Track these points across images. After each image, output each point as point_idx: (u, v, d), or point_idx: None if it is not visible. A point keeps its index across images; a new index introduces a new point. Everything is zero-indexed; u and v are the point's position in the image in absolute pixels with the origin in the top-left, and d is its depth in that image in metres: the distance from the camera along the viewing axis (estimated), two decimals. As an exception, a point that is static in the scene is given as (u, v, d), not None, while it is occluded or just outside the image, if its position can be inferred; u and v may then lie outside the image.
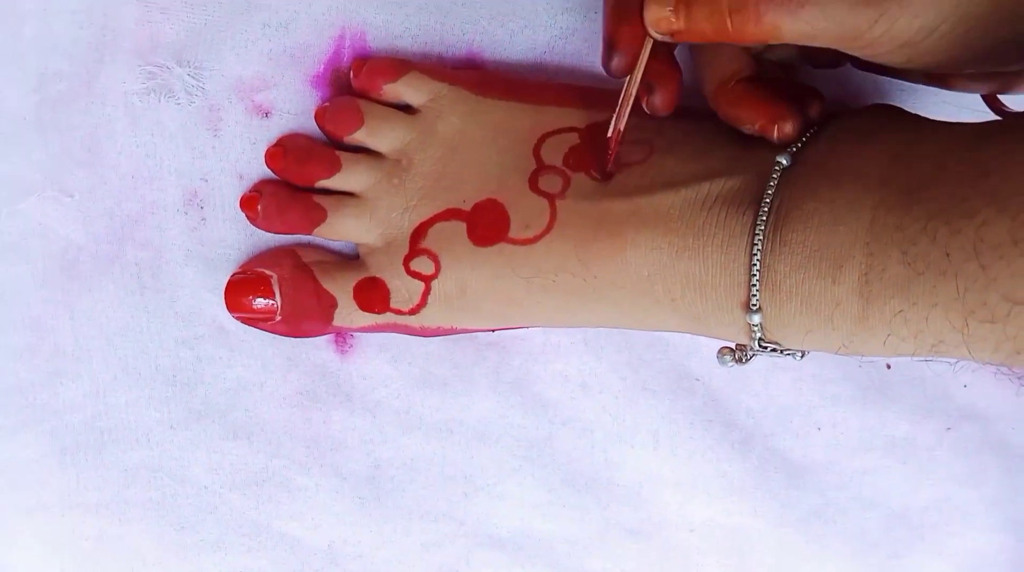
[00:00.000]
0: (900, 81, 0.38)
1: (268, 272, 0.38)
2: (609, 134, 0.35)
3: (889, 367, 0.39)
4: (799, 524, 0.40)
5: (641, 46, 0.32)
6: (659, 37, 0.32)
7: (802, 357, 0.34)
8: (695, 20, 0.30)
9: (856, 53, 0.30)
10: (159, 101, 0.39)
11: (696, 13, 0.30)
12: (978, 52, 0.29)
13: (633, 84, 0.33)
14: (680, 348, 0.40)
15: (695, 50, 0.36)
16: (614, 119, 0.34)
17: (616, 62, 0.32)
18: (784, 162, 0.32)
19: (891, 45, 0.29)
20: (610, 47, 0.32)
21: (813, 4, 0.28)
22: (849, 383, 0.39)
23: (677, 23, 0.31)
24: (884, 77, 0.36)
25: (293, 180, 0.39)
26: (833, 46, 0.30)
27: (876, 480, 0.40)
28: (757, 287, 0.31)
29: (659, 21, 0.31)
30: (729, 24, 0.30)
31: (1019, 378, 0.39)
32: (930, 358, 0.30)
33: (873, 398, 0.39)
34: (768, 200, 0.31)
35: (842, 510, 0.40)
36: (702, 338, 0.36)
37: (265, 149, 0.39)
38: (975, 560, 0.40)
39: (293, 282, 0.38)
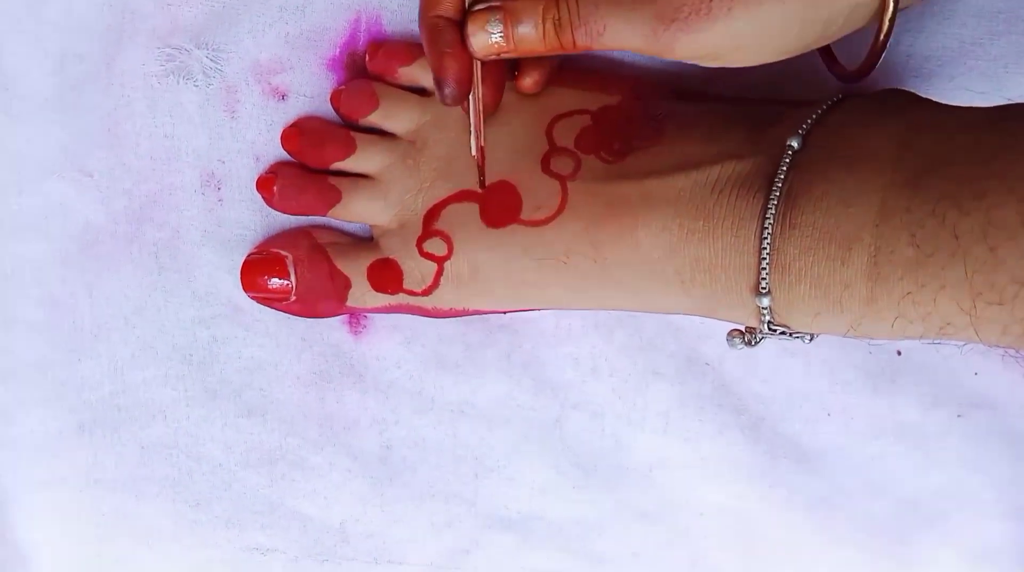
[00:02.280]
0: (914, 66, 0.38)
1: (283, 253, 0.39)
2: (473, 153, 0.35)
3: (899, 353, 0.39)
4: (808, 509, 0.40)
5: (469, 71, 0.32)
6: (488, 59, 0.32)
7: (811, 340, 0.34)
8: (523, 40, 0.31)
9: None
10: (178, 83, 0.40)
11: (524, 34, 0.31)
12: (804, 46, 0.31)
13: (477, 101, 0.34)
14: (690, 332, 0.40)
15: None
16: (472, 138, 0.35)
17: (449, 93, 0.32)
18: (795, 145, 0.32)
19: (707, 61, 0.31)
20: (439, 82, 0.32)
21: (612, 27, 0.30)
22: (859, 369, 0.39)
23: (506, 45, 0.31)
24: (895, 60, 0.36)
25: (309, 162, 0.39)
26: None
27: (885, 466, 0.40)
28: (767, 270, 0.31)
29: (488, 47, 0.32)
30: (557, 41, 0.31)
31: (1027, 361, 0.39)
32: (939, 342, 0.30)
33: (883, 384, 0.39)
34: (779, 183, 0.32)
35: (851, 496, 0.40)
36: (712, 323, 0.36)
37: (281, 131, 0.40)
38: (984, 547, 0.39)
39: (308, 263, 0.39)
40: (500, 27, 0.31)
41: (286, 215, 0.40)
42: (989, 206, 0.27)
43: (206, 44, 0.40)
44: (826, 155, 0.32)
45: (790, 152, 0.32)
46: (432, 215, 0.37)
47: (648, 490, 0.41)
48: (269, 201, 0.39)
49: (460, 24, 0.32)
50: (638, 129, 0.36)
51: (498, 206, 0.36)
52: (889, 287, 0.29)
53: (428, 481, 0.41)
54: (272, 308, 0.40)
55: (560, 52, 0.32)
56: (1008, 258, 0.27)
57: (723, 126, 0.35)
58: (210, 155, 0.40)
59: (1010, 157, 0.28)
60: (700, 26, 0.29)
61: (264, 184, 0.39)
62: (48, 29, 0.40)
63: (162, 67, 0.40)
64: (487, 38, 0.31)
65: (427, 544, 0.41)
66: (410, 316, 0.40)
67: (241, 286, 0.39)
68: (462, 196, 0.37)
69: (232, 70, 0.40)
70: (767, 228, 0.31)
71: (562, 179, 0.36)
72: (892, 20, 0.30)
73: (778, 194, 0.31)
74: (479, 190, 0.36)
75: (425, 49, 0.32)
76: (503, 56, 0.32)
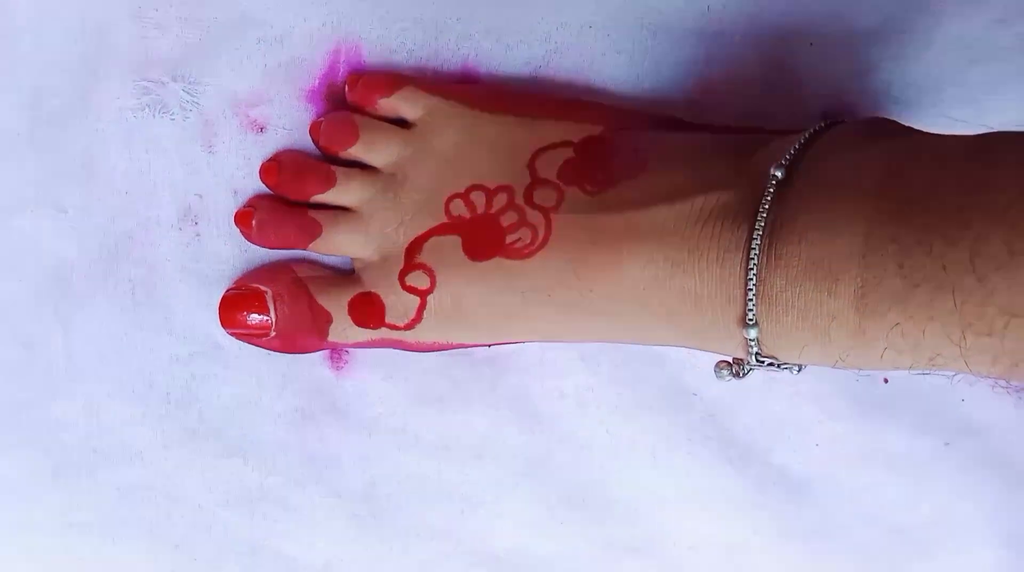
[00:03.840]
0: (895, 94, 0.38)
1: (263, 288, 0.38)
2: None
3: (887, 381, 0.39)
4: (798, 540, 0.40)
5: None
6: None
7: (799, 371, 0.33)
8: None
9: None
10: (154, 117, 0.39)
11: None
12: None
13: None
14: (677, 363, 0.39)
15: None
16: None
17: None
18: (778, 175, 0.32)
19: None
20: None
21: None
22: (847, 398, 0.39)
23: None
24: (875, 88, 0.37)
25: (288, 195, 0.39)
26: None
27: (875, 495, 0.39)
28: (753, 301, 0.31)
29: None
30: None
31: (1017, 391, 0.39)
32: (928, 372, 0.30)
33: (871, 413, 0.39)
34: (763, 213, 0.31)
35: (841, 526, 0.40)
36: (699, 353, 0.36)
37: (260, 164, 0.39)
38: (975, 575, 0.39)
39: (288, 298, 0.38)
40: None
41: (265, 249, 0.39)
42: (976, 236, 0.27)
43: (182, 77, 0.39)
44: (810, 185, 0.32)
45: (773, 182, 0.32)
46: (414, 248, 0.37)
47: (637, 524, 0.40)
48: (248, 235, 0.39)
49: None
50: (621, 160, 0.36)
51: (481, 239, 0.36)
52: (877, 318, 0.29)
53: (413, 518, 0.40)
54: (252, 344, 0.39)
55: None
56: (997, 289, 0.26)
57: (706, 156, 0.35)
58: (187, 189, 0.40)
59: (995, 187, 0.27)
60: None
61: (242, 218, 0.39)
62: (20, 63, 0.39)
63: (138, 101, 0.39)
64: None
65: (413, 583, 0.41)
66: (393, 351, 0.39)
67: (220, 322, 0.39)
68: (444, 229, 0.37)
69: (209, 103, 0.39)
70: (752, 259, 0.31)
71: (545, 211, 0.36)
72: None
73: (763, 225, 0.31)
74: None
75: None
76: None
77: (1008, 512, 0.39)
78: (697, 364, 0.39)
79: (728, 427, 0.40)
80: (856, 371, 0.39)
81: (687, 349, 0.36)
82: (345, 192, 0.38)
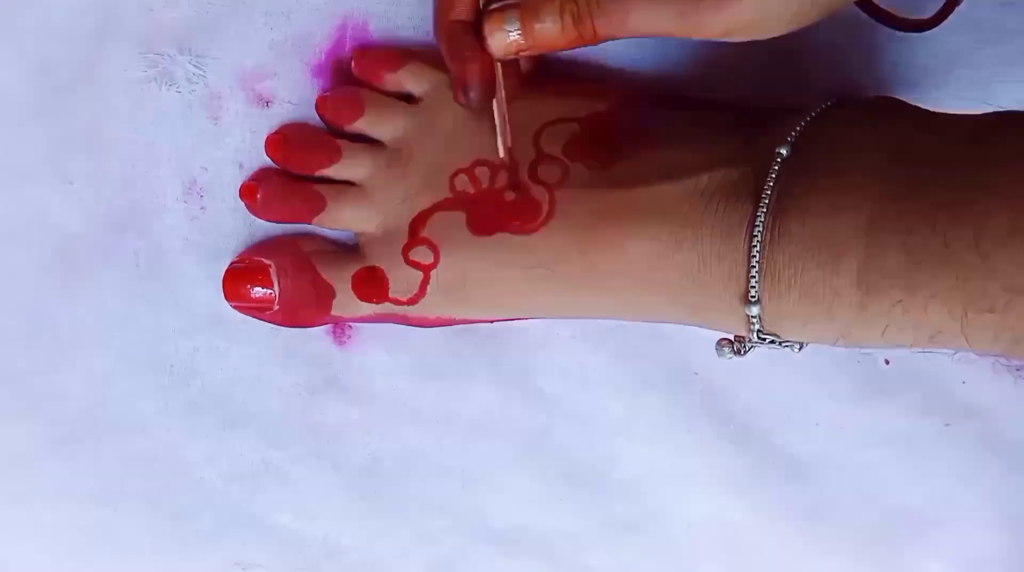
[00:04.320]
0: (902, 75, 0.38)
1: (266, 261, 0.38)
2: (501, 155, 0.35)
3: (888, 362, 0.39)
4: (797, 519, 0.40)
5: (492, 73, 0.32)
6: (507, 58, 0.32)
7: (800, 349, 0.33)
8: (542, 35, 0.31)
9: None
10: (160, 89, 0.39)
11: (542, 29, 0.31)
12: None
13: (501, 103, 0.34)
14: (679, 341, 0.39)
15: None
16: (499, 140, 0.35)
17: (473, 96, 0.32)
18: (784, 152, 0.32)
19: (736, 36, 0.29)
20: (464, 87, 0.32)
21: (637, 11, 0.29)
22: (848, 378, 0.39)
23: (525, 42, 0.31)
24: (883, 69, 0.37)
25: (293, 169, 0.39)
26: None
27: (874, 476, 0.39)
28: (756, 278, 0.31)
29: (508, 46, 0.31)
30: (576, 32, 0.31)
31: (1017, 369, 0.39)
32: (928, 350, 0.30)
33: (872, 393, 0.39)
34: (767, 191, 0.31)
35: (840, 505, 0.40)
36: (702, 332, 0.36)
37: (265, 138, 0.39)
38: (973, 556, 0.39)
39: (291, 271, 0.38)
40: (517, 24, 0.31)
41: (270, 223, 0.39)
42: (979, 214, 0.27)
43: (189, 50, 0.39)
44: (816, 163, 0.32)
45: (779, 160, 0.32)
46: (418, 223, 0.37)
47: (637, 501, 0.40)
48: (252, 209, 0.39)
49: (477, 26, 0.32)
50: (626, 137, 0.36)
51: (485, 214, 0.36)
52: (880, 295, 0.29)
53: (414, 493, 0.40)
54: (255, 318, 0.39)
55: (581, 44, 0.31)
56: (999, 266, 0.27)
57: (712, 133, 0.35)
58: (193, 162, 0.40)
59: (1000, 166, 0.28)
60: (730, 1, 0.28)
61: (247, 192, 0.39)
62: (28, 34, 0.39)
63: (145, 73, 0.39)
64: (505, 37, 0.31)
65: (413, 557, 0.41)
66: (396, 326, 0.39)
67: (223, 295, 0.39)
68: (449, 204, 0.37)
69: (216, 76, 0.39)
70: (756, 236, 0.31)
71: (549, 187, 0.36)
72: None
73: (767, 202, 0.31)
74: (511, 194, 0.36)
75: (445, 56, 0.32)
76: (522, 54, 0.32)
77: (1008, 493, 0.39)
78: (699, 342, 0.39)
79: (729, 406, 0.40)
80: (857, 351, 0.39)
81: (689, 327, 0.36)
82: (350, 166, 0.38)
